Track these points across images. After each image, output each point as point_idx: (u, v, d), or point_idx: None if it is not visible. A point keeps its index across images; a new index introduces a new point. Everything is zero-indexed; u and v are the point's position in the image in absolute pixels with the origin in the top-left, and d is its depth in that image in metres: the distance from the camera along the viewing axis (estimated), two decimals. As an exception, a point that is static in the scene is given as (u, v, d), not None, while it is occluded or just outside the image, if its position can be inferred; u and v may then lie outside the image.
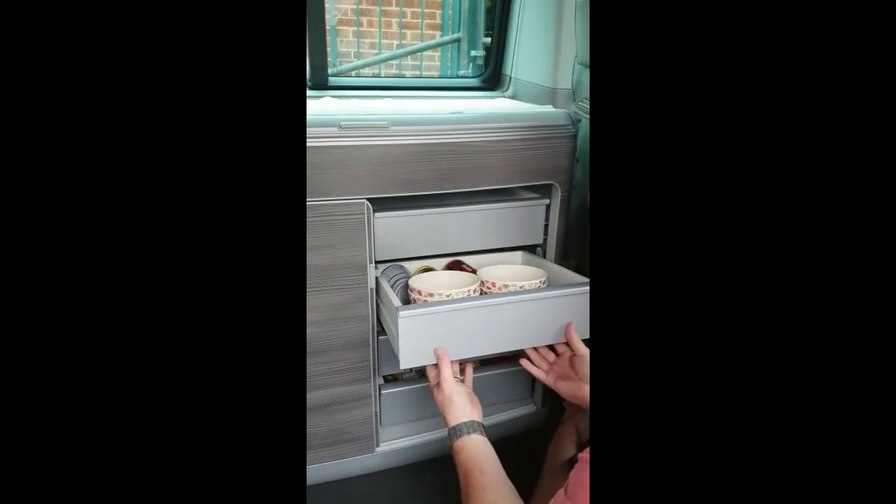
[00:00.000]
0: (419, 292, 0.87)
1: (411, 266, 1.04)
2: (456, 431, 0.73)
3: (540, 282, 0.91)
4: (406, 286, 0.93)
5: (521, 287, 0.89)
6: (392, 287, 0.93)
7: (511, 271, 0.99)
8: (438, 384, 0.78)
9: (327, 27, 1.09)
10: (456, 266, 1.05)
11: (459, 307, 0.79)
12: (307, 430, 0.94)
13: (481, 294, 0.90)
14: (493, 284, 0.91)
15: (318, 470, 0.98)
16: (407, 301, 0.92)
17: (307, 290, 0.86)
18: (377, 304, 0.94)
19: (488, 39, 1.31)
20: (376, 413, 1.01)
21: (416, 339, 0.78)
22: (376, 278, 0.93)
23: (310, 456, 0.97)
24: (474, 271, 1.02)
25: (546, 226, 1.03)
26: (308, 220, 0.83)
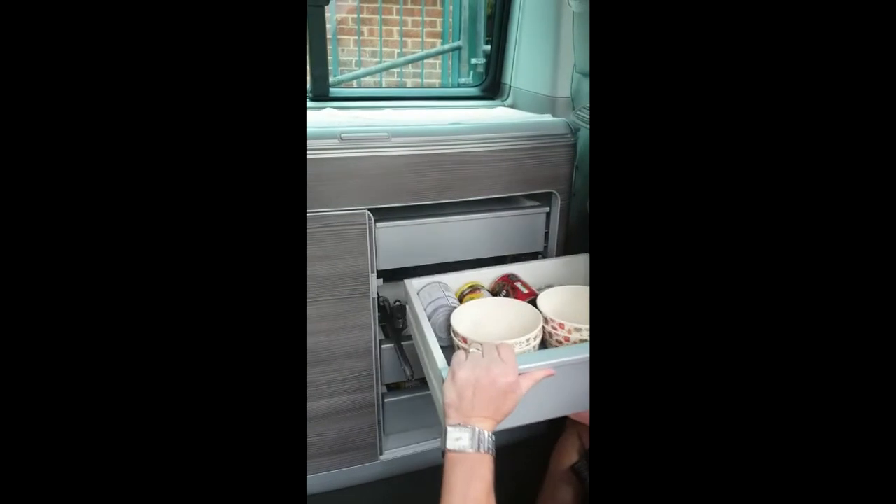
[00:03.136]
0: (464, 339, 0.68)
1: (451, 279, 0.90)
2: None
3: None
4: (448, 318, 0.76)
5: None
6: (430, 317, 0.79)
7: (580, 303, 0.79)
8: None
9: (328, 37, 1.10)
10: (508, 283, 0.87)
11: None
12: (311, 439, 0.95)
13: (544, 338, 0.72)
14: (561, 326, 0.71)
15: (322, 479, 0.99)
16: (449, 335, 0.76)
17: (310, 300, 0.87)
18: (410, 323, 0.86)
19: (489, 47, 1.32)
20: (379, 421, 1.01)
21: None
22: (411, 300, 0.84)
23: (313, 465, 0.97)
24: (532, 292, 0.84)
25: (546, 233, 1.04)
26: (310, 230, 0.84)
